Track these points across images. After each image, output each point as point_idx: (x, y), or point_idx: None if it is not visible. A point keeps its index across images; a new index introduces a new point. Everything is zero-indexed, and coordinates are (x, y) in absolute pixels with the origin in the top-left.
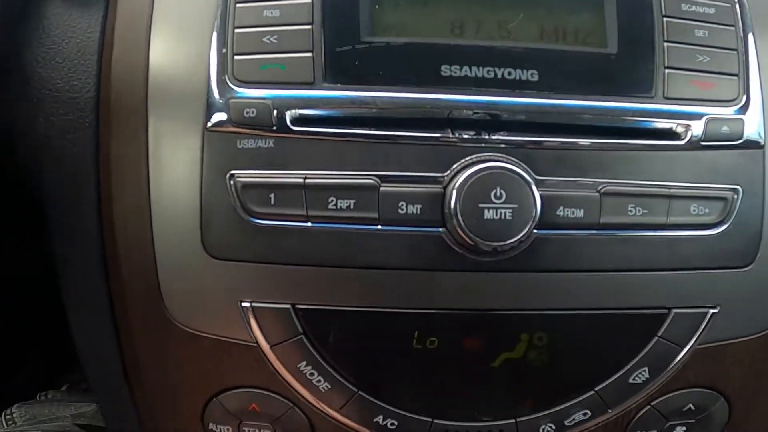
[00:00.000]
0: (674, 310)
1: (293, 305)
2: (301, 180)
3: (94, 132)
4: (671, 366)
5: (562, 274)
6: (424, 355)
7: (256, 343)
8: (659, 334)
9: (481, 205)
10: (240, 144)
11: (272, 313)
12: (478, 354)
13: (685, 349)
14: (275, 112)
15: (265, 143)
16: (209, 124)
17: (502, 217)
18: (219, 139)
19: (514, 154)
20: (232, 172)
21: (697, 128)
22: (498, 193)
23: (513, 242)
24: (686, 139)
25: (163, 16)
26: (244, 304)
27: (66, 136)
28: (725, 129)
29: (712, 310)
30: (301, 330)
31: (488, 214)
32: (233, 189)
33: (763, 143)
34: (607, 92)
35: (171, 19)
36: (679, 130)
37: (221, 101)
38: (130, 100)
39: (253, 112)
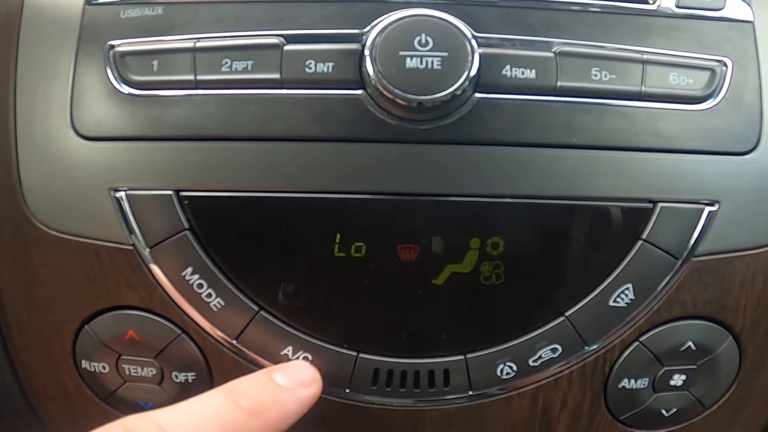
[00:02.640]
0: (661, 204)
1: (176, 192)
2: (191, 44)
3: None
4: (662, 284)
5: (514, 149)
6: (347, 265)
7: (132, 245)
8: (643, 236)
9: (401, 53)
10: (123, 14)
11: (151, 203)
12: (417, 267)
13: (679, 261)
14: None
15: (153, 11)
16: None
17: (428, 66)
18: (99, 11)
19: (451, 11)
20: (111, 42)
21: None
22: (423, 40)
23: (443, 96)
24: (657, 2)
25: None
26: (118, 193)
27: None
28: None
29: (709, 208)
30: (186, 224)
31: (410, 63)
32: (111, 59)
33: (749, 17)
34: None
35: None
36: None
37: None
38: None
39: None
